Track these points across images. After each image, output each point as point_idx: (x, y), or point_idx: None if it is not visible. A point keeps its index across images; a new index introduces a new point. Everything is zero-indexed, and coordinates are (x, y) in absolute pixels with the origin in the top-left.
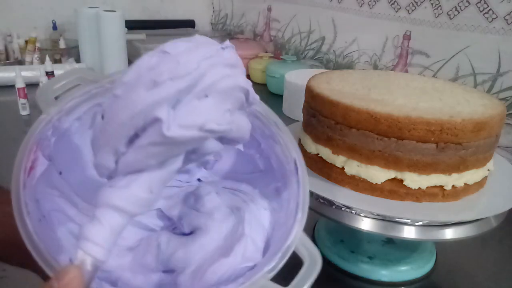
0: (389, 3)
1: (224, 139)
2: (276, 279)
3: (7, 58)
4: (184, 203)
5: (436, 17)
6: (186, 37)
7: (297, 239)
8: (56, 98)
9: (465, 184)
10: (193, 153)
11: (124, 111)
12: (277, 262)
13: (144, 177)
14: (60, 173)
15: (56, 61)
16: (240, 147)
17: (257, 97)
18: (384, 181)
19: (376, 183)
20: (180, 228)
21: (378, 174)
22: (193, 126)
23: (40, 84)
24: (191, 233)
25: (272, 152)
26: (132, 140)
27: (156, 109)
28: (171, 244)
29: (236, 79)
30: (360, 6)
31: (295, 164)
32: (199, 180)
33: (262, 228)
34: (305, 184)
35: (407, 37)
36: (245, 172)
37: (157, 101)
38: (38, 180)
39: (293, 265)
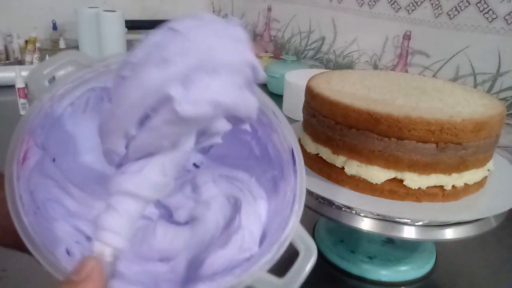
0: (389, 3)
1: (232, 118)
2: (271, 269)
3: (7, 58)
4: (181, 192)
5: (436, 17)
6: (193, 15)
7: (294, 230)
8: (49, 82)
9: (465, 184)
10: (202, 135)
11: (134, 91)
12: (274, 254)
13: (157, 160)
14: (54, 160)
15: None
16: (247, 127)
17: (263, 73)
18: (384, 181)
19: (376, 183)
20: (176, 217)
21: (378, 174)
22: (205, 102)
23: (31, 68)
24: (187, 222)
25: (269, 140)
26: (142, 121)
27: (167, 86)
28: (167, 233)
29: (245, 55)
30: (360, 6)
31: (292, 154)
32: (194, 165)
33: (258, 218)
34: (302, 174)
35: (407, 37)
36: (241, 158)
37: (167, 78)
38: (32, 171)
39: (288, 255)
